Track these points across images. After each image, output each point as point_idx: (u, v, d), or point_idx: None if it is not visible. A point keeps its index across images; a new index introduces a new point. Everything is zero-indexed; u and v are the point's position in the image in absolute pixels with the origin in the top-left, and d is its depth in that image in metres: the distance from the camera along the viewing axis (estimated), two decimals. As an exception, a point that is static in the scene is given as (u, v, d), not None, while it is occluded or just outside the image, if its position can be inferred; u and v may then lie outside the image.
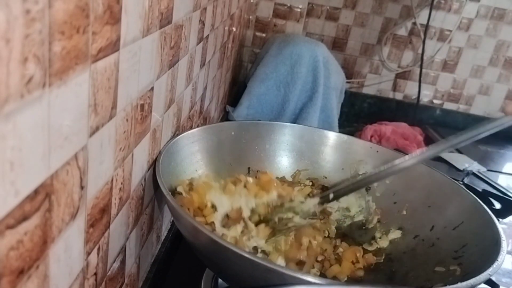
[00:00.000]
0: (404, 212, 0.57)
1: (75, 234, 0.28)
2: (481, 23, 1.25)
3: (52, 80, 0.21)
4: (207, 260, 0.44)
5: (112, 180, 0.33)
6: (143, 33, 0.34)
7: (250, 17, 1.24)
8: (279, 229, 0.49)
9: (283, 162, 0.64)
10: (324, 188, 0.60)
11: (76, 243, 0.28)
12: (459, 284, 0.36)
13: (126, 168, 0.36)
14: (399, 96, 1.34)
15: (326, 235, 0.55)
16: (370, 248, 0.55)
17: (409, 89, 1.32)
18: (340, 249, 0.53)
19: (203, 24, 0.58)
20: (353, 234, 0.58)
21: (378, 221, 0.58)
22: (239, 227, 0.47)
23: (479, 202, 0.50)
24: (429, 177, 0.57)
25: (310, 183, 0.62)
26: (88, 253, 0.31)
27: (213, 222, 0.46)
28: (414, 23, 1.24)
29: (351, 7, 1.24)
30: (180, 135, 0.52)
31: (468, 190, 0.53)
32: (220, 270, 0.45)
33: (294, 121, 1.03)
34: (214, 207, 0.47)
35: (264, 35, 1.27)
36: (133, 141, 0.37)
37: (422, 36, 1.23)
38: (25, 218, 0.21)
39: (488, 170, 1.01)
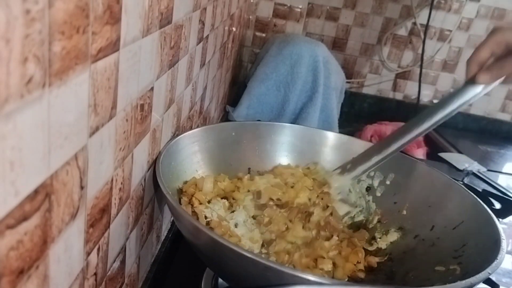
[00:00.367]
0: (404, 212, 0.57)
1: (75, 234, 0.28)
2: (481, 23, 1.25)
3: (52, 80, 0.21)
4: (207, 259, 0.44)
5: (112, 180, 0.33)
6: (143, 33, 0.34)
7: (250, 17, 1.24)
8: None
9: (284, 163, 0.64)
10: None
11: (76, 243, 0.28)
12: (459, 283, 0.36)
13: (126, 168, 0.36)
14: (399, 96, 1.34)
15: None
16: (370, 248, 0.55)
17: (409, 89, 1.32)
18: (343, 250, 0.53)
19: (203, 24, 0.58)
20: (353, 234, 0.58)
21: (379, 221, 0.58)
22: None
23: (479, 202, 0.50)
24: (429, 177, 0.58)
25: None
26: (88, 253, 0.31)
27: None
28: (414, 23, 1.24)
29: (351, 7, 1.24)
30: (180, 135, 0.52)
31: (468, 190, 0.53)
32: (220, 270, 0.45)
33: (294, 121, 1.03)
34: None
35: (264, 35, 1.27)
36: (133, 141, 0.37)
37: (422, 36, 1.23)
38: (25, 218, 0.21)
39: (488, 170, 1.01)
